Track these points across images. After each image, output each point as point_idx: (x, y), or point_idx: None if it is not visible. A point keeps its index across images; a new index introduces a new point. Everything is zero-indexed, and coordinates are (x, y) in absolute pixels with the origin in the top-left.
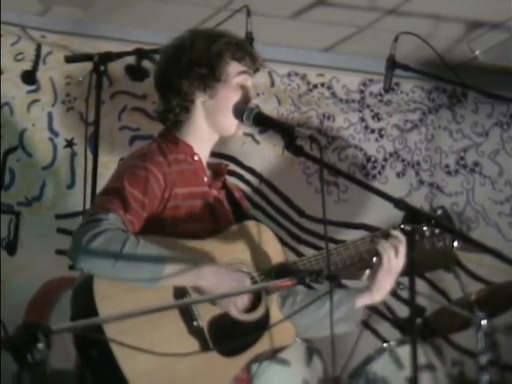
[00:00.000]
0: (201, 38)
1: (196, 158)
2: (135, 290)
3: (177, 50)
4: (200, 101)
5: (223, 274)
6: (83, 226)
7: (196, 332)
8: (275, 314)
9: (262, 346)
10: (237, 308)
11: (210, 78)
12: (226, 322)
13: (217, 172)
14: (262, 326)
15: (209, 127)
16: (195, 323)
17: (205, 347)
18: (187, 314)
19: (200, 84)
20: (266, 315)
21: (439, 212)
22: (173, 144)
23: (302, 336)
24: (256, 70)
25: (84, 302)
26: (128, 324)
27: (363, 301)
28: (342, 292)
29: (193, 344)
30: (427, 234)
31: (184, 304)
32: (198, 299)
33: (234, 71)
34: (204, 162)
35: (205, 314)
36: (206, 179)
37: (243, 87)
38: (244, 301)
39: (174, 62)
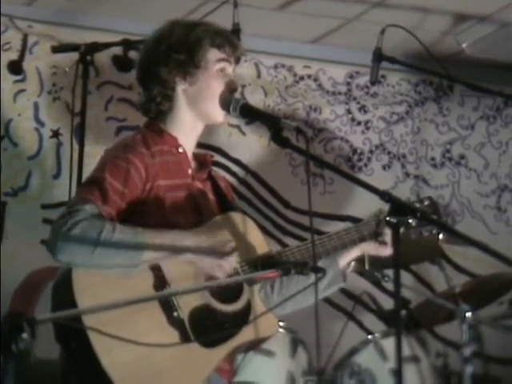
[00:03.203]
0: (179, 27)
1: (180, 150)
2: (114, 282)
3: (156, 40)
4: (181, 89)
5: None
6: (60, 219)
7: (176, 323)
8: (257, 305)
9: (243, 337)
10: (224, 271)
11: (189, 64)
12: (207, 312)
13: (202, 163)
14: (244, 316)
15: (193, 116)
16: (175, 314)
17: (185, 338)
18: (167, 305)
19: (179, 71)
20: (248, 306)
21: (426, 202)
22: (157, 135)
23: (280, 313)
24: (237, 59)
25: (63, 293)
26: (108, 315)
27: (348, 257)
28: (325, 260)
29: (173, 335)
30: (413, 224)
31: (164, 295)
32: (179, 291)
33: (214, 58)
34: (189, 154)
35: (185, 305)
36: (190, 171)
37: (225, 75)
38: (232, 264)
39: (153, 51)
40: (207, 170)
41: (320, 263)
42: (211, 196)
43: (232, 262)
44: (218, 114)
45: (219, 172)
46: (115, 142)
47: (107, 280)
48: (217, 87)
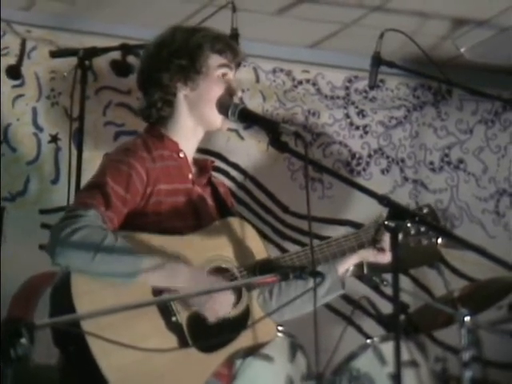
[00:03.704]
0: (180, 33)
1: (181, 155)
2: (113, 286)
3: (157, 46)
4: (182, 94)
5: (199, 276)
6: (62, 222)
7: (175, 328)
8: (256, 311)
9: (241, 342)
10: (215, 312)
11: (191, 69)
12: (206, 318)
13: (202, 168)
14: (242, 322)
15: (194, 122)
16: (174, 319)
17: (183, 343)
18: (166, 310)
19: (181, 76)
20: (246, 311)
21: (425, 210)
22: (158, 140)
23: (278, 320)
24: (238, 64)
25: (61, 298)
26: (106, 320)
27: (347, 264)
28: (324, 266)
29: (171, 340)
30: (412, 231)
31: (163, 301)
32: (178, 296)
33: (215, 64)
34: (189, 159)
35: (184, 310)
36: (190, 176)
37: (226, 80)
38: (224, 306)
39: (155, 57)
40: (207, 175)
41: (319, 270)
42: (210, 201)
43: (225, 306)
44: (217, 120)
45: (218, 177)
46: (114, 147)
47: (106, 285)
48: (218, 92)
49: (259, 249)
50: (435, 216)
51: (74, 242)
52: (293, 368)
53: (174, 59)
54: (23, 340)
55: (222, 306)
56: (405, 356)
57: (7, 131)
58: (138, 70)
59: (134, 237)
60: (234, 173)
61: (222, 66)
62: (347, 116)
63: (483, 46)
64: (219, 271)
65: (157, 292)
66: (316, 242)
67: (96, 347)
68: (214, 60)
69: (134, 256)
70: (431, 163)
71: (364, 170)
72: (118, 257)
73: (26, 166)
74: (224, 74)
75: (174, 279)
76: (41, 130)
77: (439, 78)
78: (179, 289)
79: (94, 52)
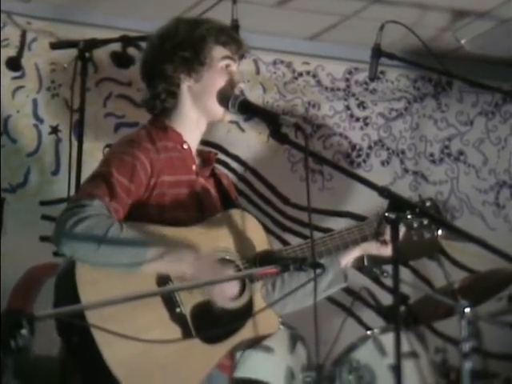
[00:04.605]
0: (184, 24)
1: (185, 146)
2: (118, 277)
3: (161, 37)
4: (186, 86)
5: (205, 260)
6: (67, 212)
7: (179, 319)
8: (259, 302)
9: (244, 333)
10: (224, 296)
11: (195, 61)
12: (209, 309)
13: (206, 160)
14: (246, 313)
15: (197, 113)
16: (178, 310)
17: (187, 334)
18: (170, 301)
19: (184, 68)
20: (250, 303)
21: (428, 203)
22: (162, 131)
23: (280, 312)
24: (241, 56)
25: (66, 287)
26: (110, 311)
27: (349, 256)
28: (327, 259)
29: (175, 331)
30: (415, 225)
31: (167, 291)
32: (182, 286)
33: (219, 55)
34: (193, 150)
35: (188, 301)
36: (194, 167)
37: (228, 72)
38: (232, 290)
39: (158, 49)
40: (211, 167)
41: (322, 261)
42: (214, 193)
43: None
44: (220, 111)
45: (221, 169)
46: (114, 139)
47: (110, 275)
48: (221, 84)
49: (261, 241)
50: (438, 210)
51: (79, 232)
52: (293, 359)
53: (177, 51)
54: (23, 331)
55: (230, 289)
56: (405, 347)
57: (7, 123)
58: (142, 62)
59: (137, 227)
60: (234, 164)
61: (225, 57)
62: (347, 108)
63: (483, 37)
64: (223, 263)
65: (161, 283)
66: (318, 234)
67: (100, 337)
68: (218, 52)
69: (139, 246)
70: (431, 155)
71: (364, 161)
72: (122, 247)
73: (27, 157)
74: (227, 66)
75: (179, 263)
76: (41, 121)
77: (439, 69)
78: (185, 273)
79: (95, 44)
